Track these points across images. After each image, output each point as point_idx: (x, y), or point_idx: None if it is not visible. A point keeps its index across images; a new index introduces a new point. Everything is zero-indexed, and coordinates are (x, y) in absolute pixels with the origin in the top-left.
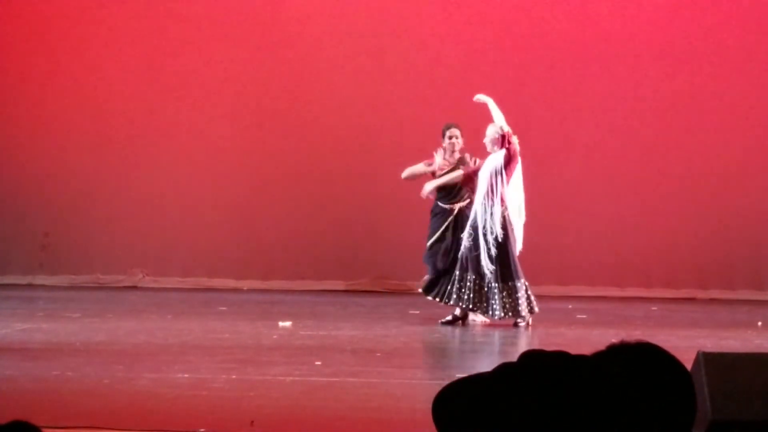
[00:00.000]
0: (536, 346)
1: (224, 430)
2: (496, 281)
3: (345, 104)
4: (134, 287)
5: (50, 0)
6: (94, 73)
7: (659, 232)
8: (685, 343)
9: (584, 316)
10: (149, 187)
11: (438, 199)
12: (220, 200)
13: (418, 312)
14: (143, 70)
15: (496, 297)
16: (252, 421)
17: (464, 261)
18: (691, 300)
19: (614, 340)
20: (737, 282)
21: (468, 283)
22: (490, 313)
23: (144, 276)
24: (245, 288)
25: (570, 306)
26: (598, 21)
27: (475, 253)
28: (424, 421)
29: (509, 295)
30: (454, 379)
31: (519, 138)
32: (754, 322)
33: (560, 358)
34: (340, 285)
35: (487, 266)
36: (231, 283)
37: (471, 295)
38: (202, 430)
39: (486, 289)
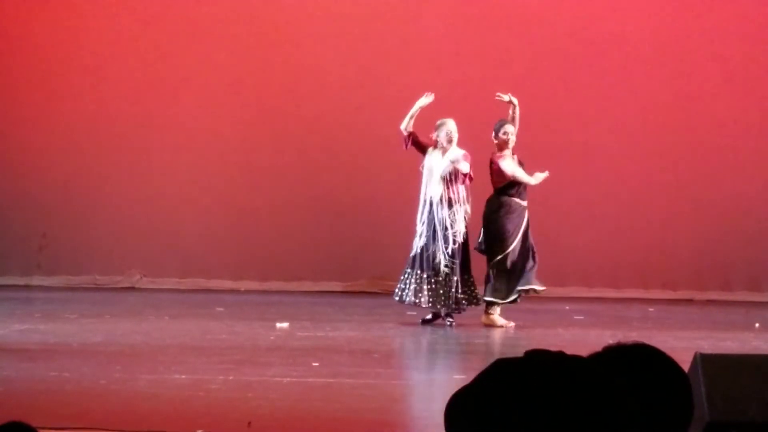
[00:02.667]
0: (533, 346)
1: (222, 431)
2: (455, 275)
3: (343, 105)
4: (132, 288)
5: (51, 6)
6: (91, 75)
7: (657, 234)
8: (683, 344)
9: (581, 317)
10: (147, 189)
11: (515, 195)
12: (217, 201)
13: (415, 313)
14: (141, 72)
15: (460, 290)
16: (249, 422)
17: (420, 260)
18: (689, 301)
19: (610, 342)
20: (735, 283)
21: (426, 283)
22: (453, 305)
23: (141, 277)
24: (242, 289)
25: (567, 307)
26: (597, 20)
27: (431, 251)
28: (422, 422)
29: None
30: (454, 379)
31: (518, 138)
32: (751, 324)
33: (559, 357)
34: (337, 286)
35: (445, 262)
36: (228, 284)
37: (433, 294)
38: (200, 431)
39: (442, 284)
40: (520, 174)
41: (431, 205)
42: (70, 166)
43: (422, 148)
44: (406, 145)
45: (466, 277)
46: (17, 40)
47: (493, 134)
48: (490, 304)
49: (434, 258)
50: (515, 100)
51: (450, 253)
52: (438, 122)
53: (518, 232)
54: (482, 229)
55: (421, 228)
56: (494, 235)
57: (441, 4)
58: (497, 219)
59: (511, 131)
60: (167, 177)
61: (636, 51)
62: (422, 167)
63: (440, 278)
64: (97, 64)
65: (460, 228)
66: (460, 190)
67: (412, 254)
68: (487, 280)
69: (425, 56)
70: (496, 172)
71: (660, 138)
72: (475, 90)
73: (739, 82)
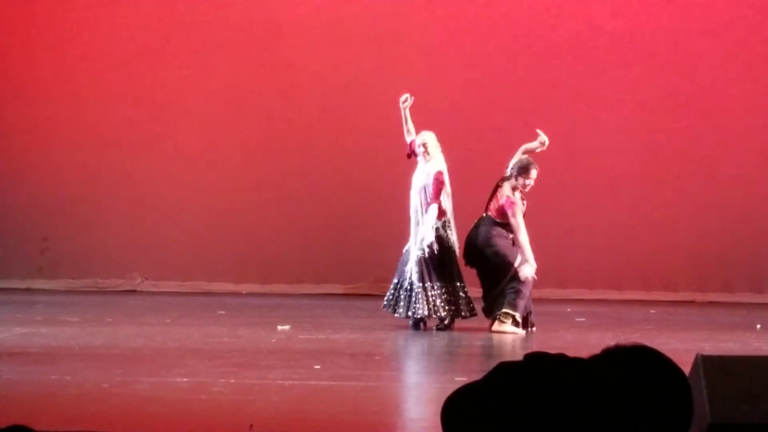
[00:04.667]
0: (534, 348)
1: None
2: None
3: (344, 109)
4: (133, 291)
5: (51, 5)
6: (93, 78)
7: (658, 235)
8: (684, 345)
9: (583, 319)
10: (148, 191)
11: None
12: (218, 204)
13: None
14: (142, 75)
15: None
16: (251, 425)
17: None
18: (690, 303)
19: (610, 344)
20: (736, 285)
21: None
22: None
23: (143, 280)
24: (244, 292)
25: (569, 309)
26: (597, 23)
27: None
28: (423, 425)
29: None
30: (455, 382)
31: (518, 141)
32: (752, 325)
33: (560, 360)
34: (338, 289)
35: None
36: (229, 286)
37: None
38: None
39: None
40: (523, 238)
41: (411, 214)
42: (71, 170)
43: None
44: (409, 155)
45: (449, 287)
46: (18, 45)
47: (517, 172)
48: (505, 313)
49: (404, 265)
50: (546, 140)
51: (416, 263)
52: (420, 134)
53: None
54: (482, 252)
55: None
56: (500, 254)
57: (439, 8)
58: (498, 242)
59: (534, 177)
60: (168, 180)
61: (637, 52)
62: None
63: (414, 285)
64: (97, 68)
65: (428, 238)
66: (433, 204)
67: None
68: (501, 295)
69: (427, 59)
70: (501, 211)
71: (661, 140)
72: (475, 92)
73: (740, 83)
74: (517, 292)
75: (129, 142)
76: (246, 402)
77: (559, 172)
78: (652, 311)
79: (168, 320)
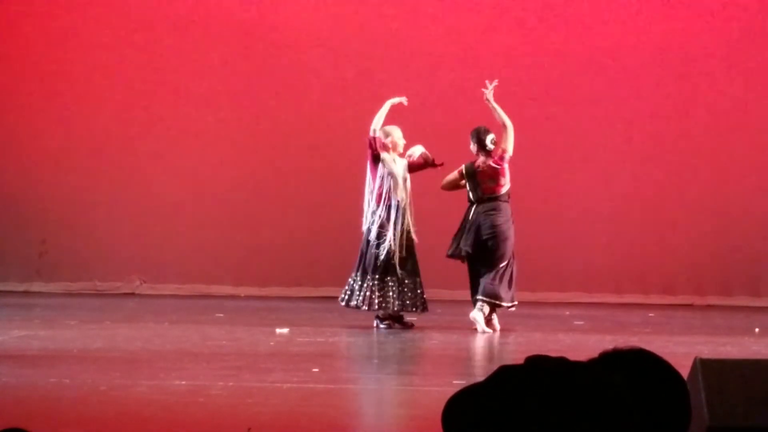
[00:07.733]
0: (533, 351)
1: None
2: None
3: (341, 110)
4: (131, 294)
5: (50, 9)
6: (91, 81)
7: (657, 239)
8: (683, 349)
9: (581, 323)
10: (146, 194)
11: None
12: (217, 207)
13: (414, 318)
14: (140, 78)
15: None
16: (249, 428)
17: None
18: (689, 306)
19: (608, 347)
20: (734, 288)
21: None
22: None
23: (141, 283)
24: (242, 295)
25: (567, 312)
26: (598, 27)
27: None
28: (422, 428)
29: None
30: (454, 385)
31: (517, 143)
32: (751, 329)
33: (561, 363)
34: (337, 292)
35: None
36: (228, 289)
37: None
38: None
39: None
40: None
41: (398, 209)
42: (69, 173)
43: (376, 154)
44: (376, 148)
45: (419, 280)
46: (17, 48)
47: (485, 143)
48: (495, 306)
49: (404, 260)
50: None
51: (406, 255)
52: (388, 128)
53: None
54: (489, 235)
55: (391, 233)
56: (507, 240)
57: (438, 10)
58: (510, 226)
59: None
60: (167, 183)
61: (639, 57)
62: (383, 174)
63: (406, 280)
64: (96, 71)
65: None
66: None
67: (381, 260)
68: (491, 284)
69: (425, 62)
70: (502, 176)
71: (660, 144)
72: (473, 95)
73: (738, 88)
74: (507, 281)
75: (128, 145)
76: (244, 405)
77: (558, 176)
78: (650, 315)
79: (166, 323)
